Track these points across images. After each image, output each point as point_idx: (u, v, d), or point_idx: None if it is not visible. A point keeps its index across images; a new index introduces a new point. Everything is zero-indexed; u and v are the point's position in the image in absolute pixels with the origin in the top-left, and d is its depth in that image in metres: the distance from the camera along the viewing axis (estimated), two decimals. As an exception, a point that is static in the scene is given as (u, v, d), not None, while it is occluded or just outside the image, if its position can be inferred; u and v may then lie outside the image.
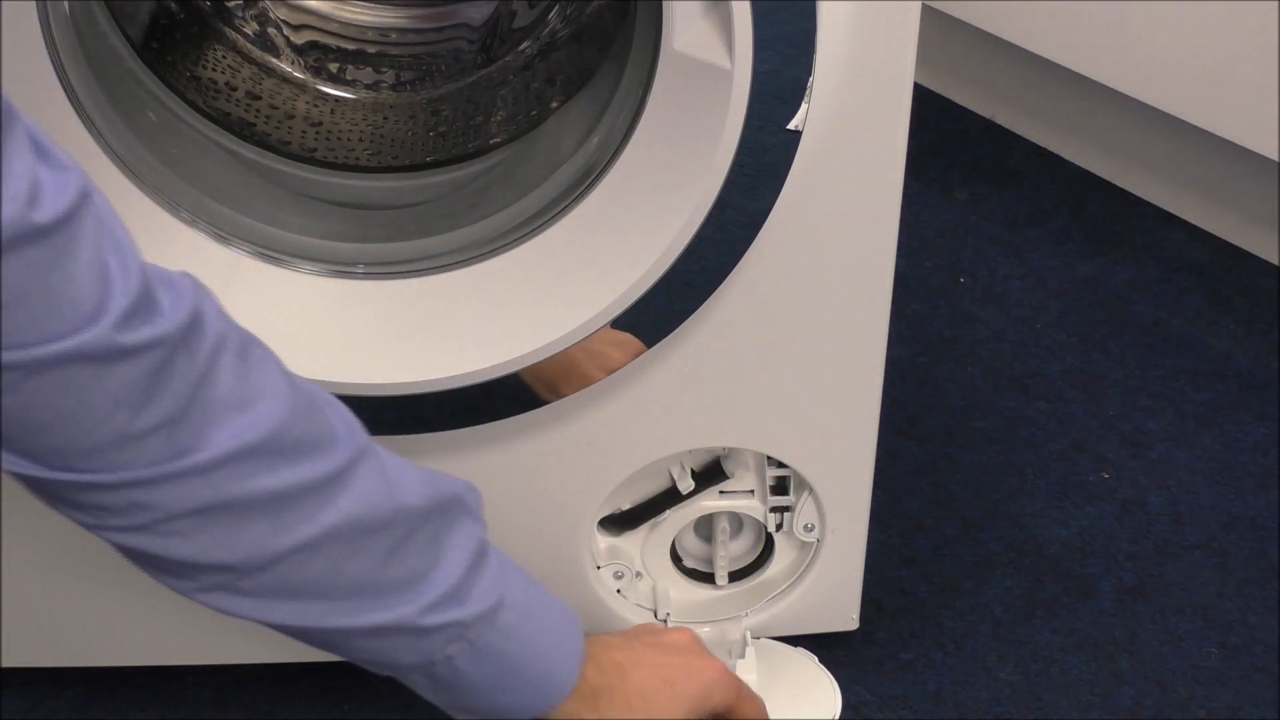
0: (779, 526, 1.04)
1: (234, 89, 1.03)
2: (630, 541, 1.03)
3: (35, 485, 0.65)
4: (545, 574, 1.01)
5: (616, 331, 0.89)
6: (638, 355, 0.91)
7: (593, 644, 0.81)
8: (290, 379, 0.69)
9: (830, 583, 1.06)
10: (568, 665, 0.79)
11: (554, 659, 0.78)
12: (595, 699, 0.80)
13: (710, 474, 1.01)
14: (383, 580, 0.71)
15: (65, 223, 0.58)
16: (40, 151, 0.59)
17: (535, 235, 0.90)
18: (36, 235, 0.57)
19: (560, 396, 0.93)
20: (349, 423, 0.71)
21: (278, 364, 0.69)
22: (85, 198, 0.60)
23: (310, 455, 0.67)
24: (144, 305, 0.62)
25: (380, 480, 0.71)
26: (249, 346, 0.68)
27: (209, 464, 0.64)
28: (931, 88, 1.82)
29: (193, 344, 0.64)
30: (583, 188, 0.89)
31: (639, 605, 1.05)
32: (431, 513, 0.73)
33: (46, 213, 0.57)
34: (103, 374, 0.60)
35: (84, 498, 0.64)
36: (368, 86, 1.07)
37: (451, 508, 0.74)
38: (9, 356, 0.58)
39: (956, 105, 1.81)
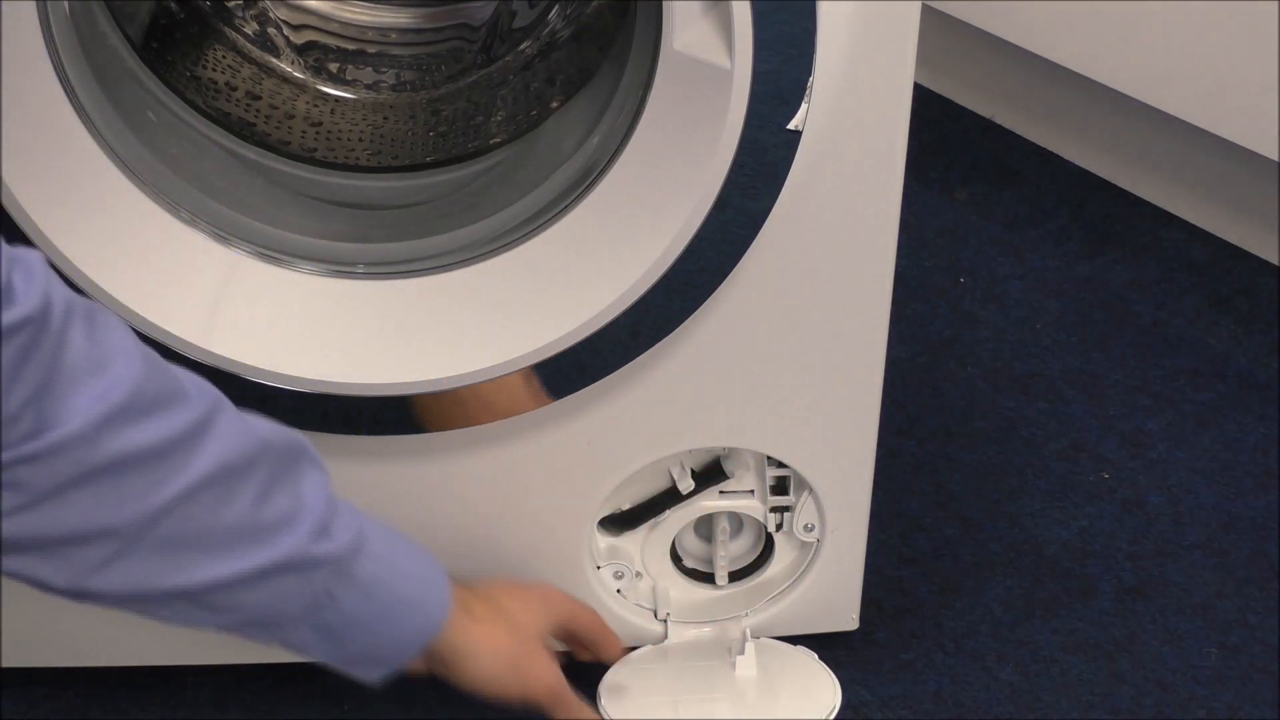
0: (779, 526, 1.04)
1: (234, 89, 1.03)
2: (630, 541, 1.03)
3: None
4: (545, 574, 1.01)
5: None
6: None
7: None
8: (136, 339, 0.70)
9: (830, 583, 1.06)
10: (439, 583, 0.83)
11: (426, 580, 0.82)
12: (467, 614, 0.85)
13: (710, 474, 1.01)
14: (261, 520, 0.72)
15: None
16: None
17: (535, 235, 0.90)
18: None
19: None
20: (194, 378, 0.72)
21: (122, 325, 0.70)
22: None
23: (170, 408, 0.68)
24: (3, 291, 0.62)
25: (240, 423, 0.72)
26: (94, 312, 0.68)
27: (79, 431, 0.64)
28: (931, 88, 1.82)
29: (49, 319, 0.64)
30: (583, 188, 0.89)
31: (639, 605, 1.05)
32: (289, 451, 0.75)
33: None
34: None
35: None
36: (368, 86, 1.07)
37: (300, 452, 0.76)
38: None
39: (956, 105, 1.81)
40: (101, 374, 0.66)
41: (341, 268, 0.93)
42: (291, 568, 0.74)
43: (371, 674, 0.83)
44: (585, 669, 1.02)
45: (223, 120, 1.01)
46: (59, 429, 0.64)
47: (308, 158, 1.03)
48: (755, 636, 1.05)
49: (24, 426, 0.63)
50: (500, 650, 0.88)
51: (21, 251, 0.64)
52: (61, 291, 0.66)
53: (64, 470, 0.65)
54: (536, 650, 0.91)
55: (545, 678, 0.91)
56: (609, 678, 1.03)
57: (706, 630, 1.05)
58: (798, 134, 0.85)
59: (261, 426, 0.74)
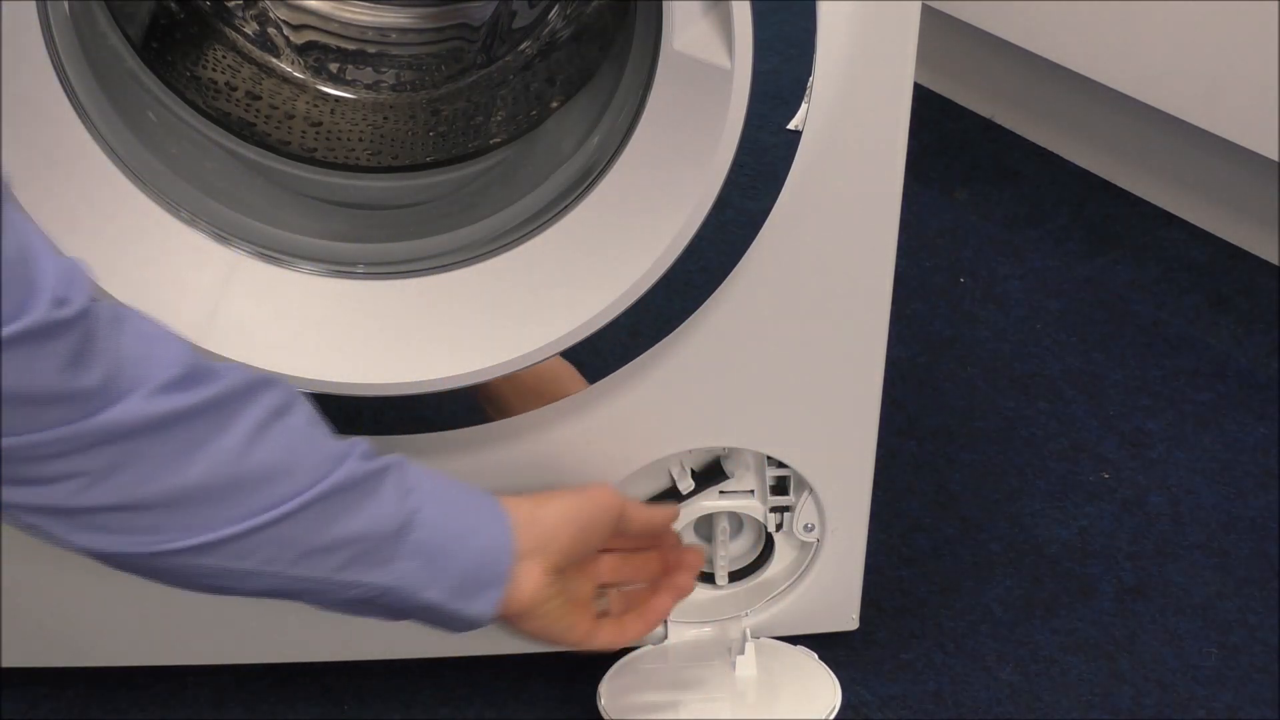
0: (779, 526, 1.04)
1: (234, 89, 1.03)
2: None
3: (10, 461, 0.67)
4: (545, 574, 1.01)
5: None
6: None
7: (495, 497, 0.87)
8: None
9: (830, 583, 1.06)
10: (488, 497, 0.85)
11: (474, 491, 0.84)
12: (535, 546, 0.86)
13: (710, 474, 1.01)
14: (319, 453, 0.76)
15: None
16: None
17: (535, 235, 0.90)
18: None
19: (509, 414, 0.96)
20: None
21: (156, 323, 0.74)
22: (4, 186, 0.64)
23: (213, 374, 0.73)
24: (70, 286, 0.66)
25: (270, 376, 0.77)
26: (128, 312, 0.73)
27: (151, 393, 0.69)
28: (931, 88, 1.82)
29: (101, 313, 0.69)
30: (583, 187, 0.89)
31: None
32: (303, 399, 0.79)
33: None
34: (50, 347, 0.65)
35: (65, 460, 0.68)
36: (368, 86, 1.07)
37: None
38: None
39: (956, 105, 1.81)
40: (153, 360, 0.70)
41: (341, 268, 0.93)
42: (364, 475, 0.77)
43: (485, 603, 0.83)
44: (586, 669, 1.02)
45: (223, 120, 1.01)
46: (131, 394, 0.68)
47: (308, 158, 1.03)
48: (755, 636, 1.05)
49: (103, 399, 0.68)
50: (555, 494, 0.89)
51: (68, 258, 0.69)
52: (107, 305, 0.70)
53: (143, 424, 0.69)
54: (578, 487, 0.92)
55: (603, 487, 0.92)
56: (609, 678, 1.03)
57: (706, 630, 1.05)
58: (798, 134, 0.85)
59: (276, 379, 0.77)
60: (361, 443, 0.79)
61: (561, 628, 0.88)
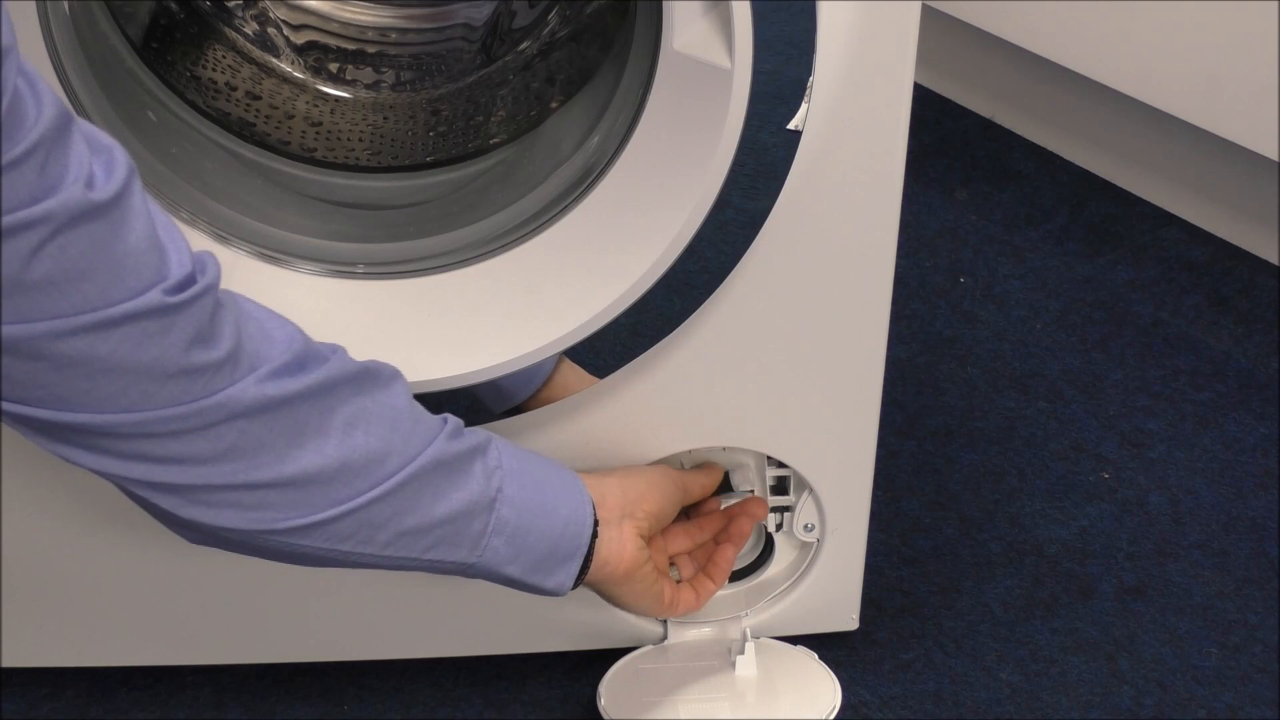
0: (779, 526, 1.04)
1: (234, 89, 1.03)
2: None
3: (116, 438, 0.70)
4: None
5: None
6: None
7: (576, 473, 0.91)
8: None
9: (830, 583, 1.06)
10: (567, 470, 0.88)
11: (557, 468, 0.88)
12: (624, 511, 0.90)
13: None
14: (414, 435, 0.79)
15: (121, 196, 0.65)
16: (84, 137, 0.66)
17: (535, 235, 0.90)
18: (96, 211, 0.64)
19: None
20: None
21: (266, 307, 0.77)
22: (133, 172, 0.67)
23: (321, 358, 0.76)
24: (194, 274, 0.70)
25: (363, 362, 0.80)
26: (242, 299, 0.76)
27: (262, 378, 0.72)
28: (931, 88, 1.82)
29: (224, 299, 0.72)
30: (583, 188, 0.89)
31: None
32: (400, 377, 0.82)
33: (104, 191, 0.64)
34: (169, 327, 0.68)
35: (175, 439, 0.71)
36: (368, 86, 1.07)
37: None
38: (81, 320, 0.65)
39: (956, 105, 1.81)
40: (271, 340, 0.74)
41: (341, 268, 0.93)
42: (453, 455, 0.80)
43: (563, 576, 0.87)
44: (586, 669, 1.02)
45: (223, 120, 1.01)
46: (246, 379, 0.72)
47: (308, 158, 1.03)
48: (755, 636, 1.05)
49: (219, 380, 0.71)
50: (625, 470, 0.94)
51: (197, 250, 0.72)
52: (224, 291, 0.73)
53: (255, 409, 0.72)
54: (644, 465, 0.97)
55: (669, 469, 0.97)
56: (609, 678, 1.03)
57: (706, 630, 1.05)
58: (798, 134, 0.85)
59: (372, 360, 0.80)
60: (450, 420, 0.82)
61: (652, 595, 0.93)
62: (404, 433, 0.78)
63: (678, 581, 0.98)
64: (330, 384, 0.75)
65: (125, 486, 0.73)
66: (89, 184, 0.64)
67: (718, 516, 1.01)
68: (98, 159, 0.66)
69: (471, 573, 0.84)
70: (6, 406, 0.68)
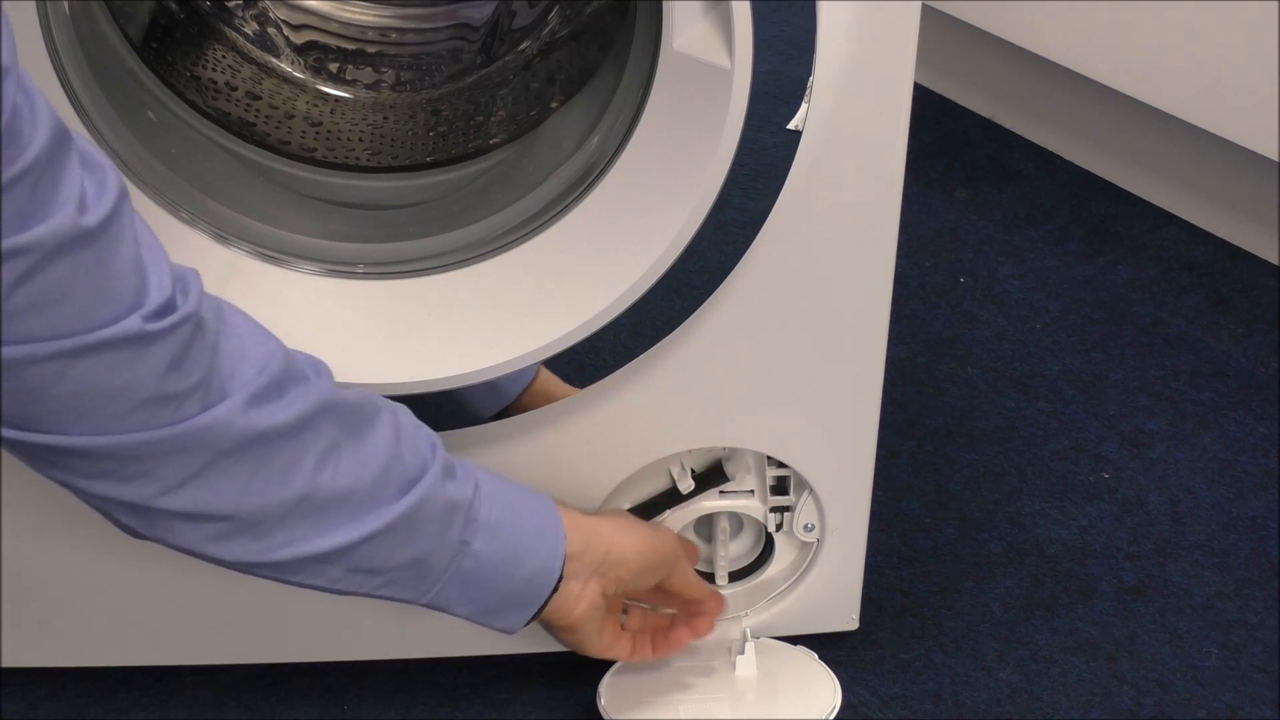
0: (779, 526, 1.04)
1: (234, 89, 1.03)
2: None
3: (85, 460, 0.69)
4: (545, 574, 1.01)
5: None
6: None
7: (569, 515, 0.89)
8: (260, 324, 0.76)
9: (830, 583, 1.06)
10: (553, 522, 0.86)
11: (541, 518, 0.86)
12: (595, 568, 0.89)
13: (711, 475, 1.01)
14: (394, 473, 0.77)
15: (109, 222, 0.65)
16: (80, 158, 0.65)
17: (535, 235, 0.90)
18: (86, 238, 0.63)
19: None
20: (305, 355, 0.78)
21: (245, 314, 0.76)
22: (123, 194, 0.66)
23: (299, 385, 0.74)
24: (174, 297, 0.69)
25: (354, 392, 0.78)
26: (227, 306, 0.75)
27: (235, 407, 0.71)
28: (931, 88, 1.82)
29: (203, 323, 0.71)
30: (583, 188, 0.89)
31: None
32: (392, 409, 0.80)
33: (94, 215, 0.64)
34: (144, 354, 0.67)
35: (139, 463, 0.70)
36: (368, 86, 1.07)
37: (398, 412, 0.81)
38: (58, 345, 0.64)
39: (956, 105, 1.81)
40: (248, 361, 0.73)
41: (341, 268, 0.93)
42: (428, 510, 0.78)
43: (514, 620, 0.87)
44: (586, 669, 1.02)
45: (223, 120, 1.01)
46: (218, 407, 0.70)
47: (308, 158, 1.03)
48: (755, 636, 1.05)
49: (189, 406, 0.70)
50: (625, 528, 0.92)
51: (180, 267, 0.72)
52: (209, 300, 0.73)
53: (224, 441, 0.71)
54: (649, 525, 0.97)
55: (667, 535, 0.97)
56: (609, 678, 1.03)
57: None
58: (798, 134, 0.85)
59: (363, 393, 0.79)
60: (438, 459, 0.80)
61: (592, 641, 0.92)
62: (377, 479, 0.77)
63: (622, 626, 0.98)
64: (305, 418, 0.74)
65: (88, 502, 0.73)
66: (80, 206, 0.63)
67: (690, 595, 0.99)
68: (90, 178, 0.65)
69: (425, 606, 0.83)
70: None
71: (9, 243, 0.60)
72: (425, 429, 0.82)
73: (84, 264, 0.64)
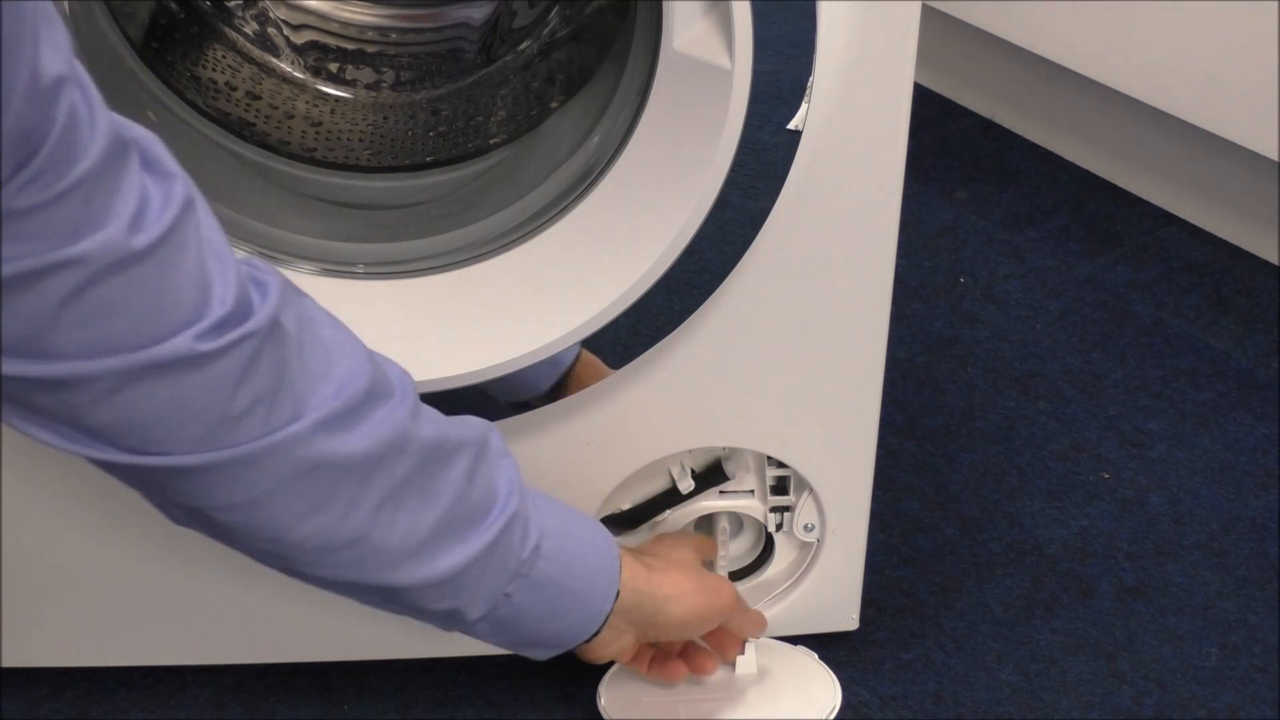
0: (779, 526, 1.04)
1: (234, 89, 1.03)
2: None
3: (136, 474, 0.68)
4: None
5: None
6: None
7: (632, 569, 0.87)
8: (351, 332, 0.74)
9: (830, 583, 1.06)
10: (608, 584, 0.85)
11: (596, 580, 0.84)
12: (639, 625, 0.89)
13: (711, 475, 1.01)
14: (457, 517, 0.76)
15: (166, 239, 0.62)
16: (146, 163, 0.63)
17: (535, 235, 0.90)
18: (136, 259, 0.61)
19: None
20: (394, 366, 0.76)
21: (337, 320, 0.73)
22: (188, 207, 0.64)
23: (380, 406, 0.71)
24: (238, 312, 0.66)
25: (434, 418, 0.76)
26: (318, 314, 0.72)
27: (302, 433, 0.68)
28: (931, 88, 1.82)
29: (276, 334, 0.67)
30: (583, 188, 0.89)
31: None
32: (480, 443, 0.78)
33: (149, 234, 0.61)
34: (196, 374, 0.65)
35: (189, 482, 0.68)
36: (368, 86, 1.07)
37: (487, 440, 0.79)
38: (107, 363, 0.62)
39: (956, 105, 1.81)
40: (329, 379, 0.70)
41: (341, 268, 0.93)
42: (478, 567, 0.77)
43: (541, 656, 0.87)
44: (586, 669, 1.02)
45: (223, 120, 1.01)
46: (282, 431, 0.67)
47: (308, 158, 1.03)
48: (755, 636, 1.05)
49: (251, 427, 0.67)
50: (685, 592, 0.91)
51: (262, 269, 0.69)
52: (293, 305, 0.69)
53: (283, 469, 0.68)
54: (710, 577, 0.95)
55: (728, 597, 0.95)
56: (609, 678, 1.03)
57: (706, 630, 1.05)
58: (798, 134, 0.85)
59: (449, 421, 0.77)
60: (503, 510, 0.77)
61: (606, 660, 0.93)
62: (438, 525, 0.74)
63: None
64: (377, 454, 0.71)
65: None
66: (136, 221, 0.61)
67: (736, 635, 1.00)
68: (157, 186, 0.63)
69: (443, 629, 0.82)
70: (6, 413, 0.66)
71: (59, 255, 0.59)
72: (509, 461, 0.80)
73: (138, 281, 0.61)
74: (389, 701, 1.06)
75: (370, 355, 0.73)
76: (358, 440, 0.70)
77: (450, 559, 0.76)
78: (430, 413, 0.76)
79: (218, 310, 0.65)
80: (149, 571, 1.00)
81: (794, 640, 1.07)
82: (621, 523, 1.02)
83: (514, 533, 0.79)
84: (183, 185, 0.64)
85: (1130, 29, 1.50)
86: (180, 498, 0.69)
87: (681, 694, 1.01)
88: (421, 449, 0.73)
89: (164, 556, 0.99)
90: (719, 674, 1.02)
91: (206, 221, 0.66)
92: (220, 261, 0.66)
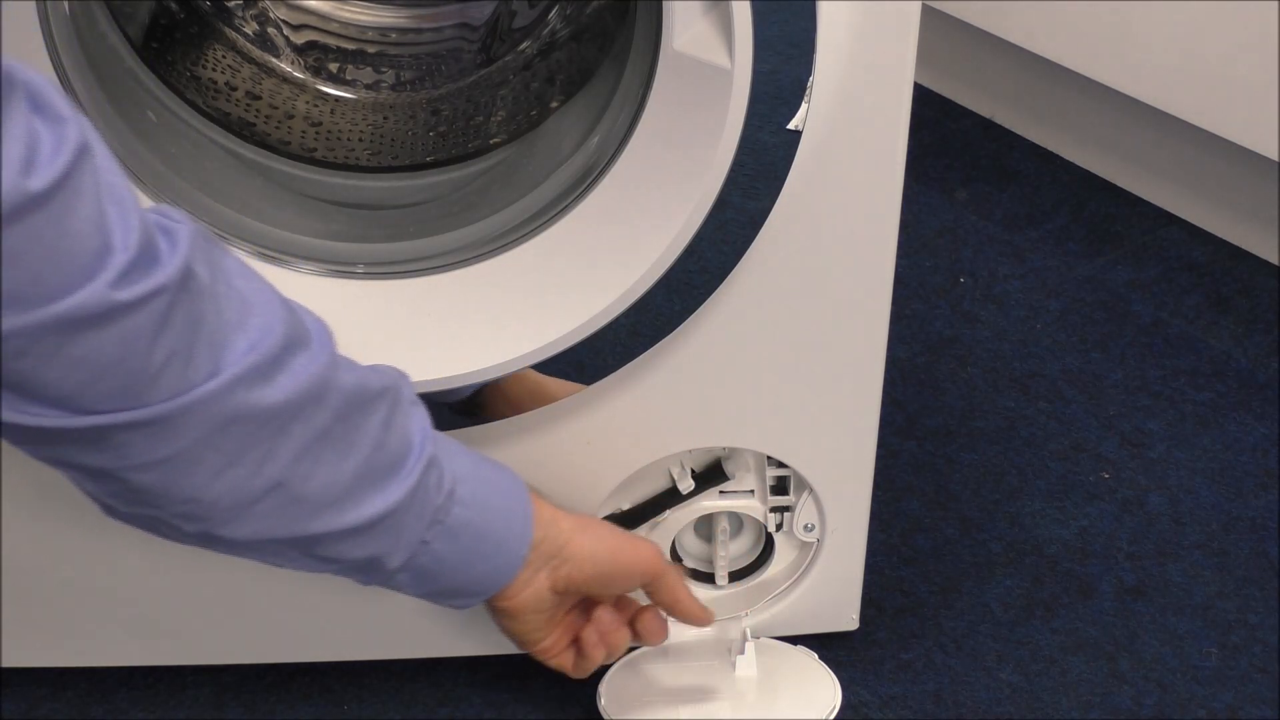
0: (779, 526, 1.04)
1: (234, 89, 1.03)
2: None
3: (51, 437, 0.65)
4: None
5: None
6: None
7: (539, 506, 0.86)
8: (268, 282, 0.72)
9: (830, 583, 1.06)
10: (522, 526, 0.84)
11: (511, 521, 0.84)
12: (547, 560, 0.87)
13: (711, 474, 1.01)
14: (376, 467, 0.74)
15: (62, 184, 0.59)
16: (37, 106, 0.60)
17: (535, 235, 0.90)
18: (33, 203, 0.58)
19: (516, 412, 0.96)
20: (311, 316, 0.74)
21: (255, 276, 0.71)
22: (83, 152, 0.60)
23: (297, 354, 0.70)
24: (144, 258, 0.63)
25: (350, 368, 0.74)
26: (231, 263, 0.70)
27: (220, 388, 0.66)
28: (931, 88, 1.82)
29: (190, 285, 0.65)
30: (583, 188, 0.89)
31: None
32: (394, 392, 0.77)
33: (43, 177, 0.58)
34: (108, 328, 0.62)
35: (106, 441, 0.65)
36: (368, 86, 1.07)
37: (399, 388, 0.78)
38: (10, 322, 0.59)
39: (956, 105, 1.81)
40: (245, 330, 0.67)
41: (341, 268, 0.93)
42: (396, 516, 0.76)
43: (461, 605, 0.86)
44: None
45: (223, 120, 1.01)
46: (200, 387, 0.65)
47: (308, 158, 1.03)
48: (755, 636, 1.05)
49: (167, 384, 0.65)
50: (594, 525, 0.90)
51: (171, 215, 0.66)
52: (205, 253, 0.67)
53: (202, 425, 0.66)
54: (630, 535, 0.93)
55: (647, 551, 0.92)
56: (609, 678, 1.03)
57: (706, 630, 1.05)
58: (798, 134, 0.85)
59: (366, 369, 0.76)
60: (418, 459, 0.77)
61: (532, 634, 0.90)
62: (355, 475, 0.73)
63: (576, 638, 0.94)
64: (296, 404, 0.69)
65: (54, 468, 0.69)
66: (27, 166, 0.57)
67: (678, 615, 0.96)
68: (48, 130, 0.59)
69: (362, 583, 0.81)
70: None
71: None
72: (420, 410, 0.80)
73: (33, 227, 0.58)
74: (389, 701, 1.06)
75: (286, 303, 0.71)
76: (276, 391, 0.68)
77: (371, 506, 0.75)
78: (348, 361, 0.75)
79: (120, 257, 0.61)
80: (149, 571, 1.00)
81: (794, 640, 1.07)
82: (621, 523, 1.02)
83: (430, 478, 0.78)
84: (76, 128, 0.60)
85: (1130, 29, 1.50)
86: (93, 460, 0.67)
87: (681, 694, 1.01)
88: (340, 398, 0.72)
89: (164, 557, 0.99)
90: (719, 674, 1.03)
91: (106, 165, 0.62)
92: (121, 206, 0.62)
